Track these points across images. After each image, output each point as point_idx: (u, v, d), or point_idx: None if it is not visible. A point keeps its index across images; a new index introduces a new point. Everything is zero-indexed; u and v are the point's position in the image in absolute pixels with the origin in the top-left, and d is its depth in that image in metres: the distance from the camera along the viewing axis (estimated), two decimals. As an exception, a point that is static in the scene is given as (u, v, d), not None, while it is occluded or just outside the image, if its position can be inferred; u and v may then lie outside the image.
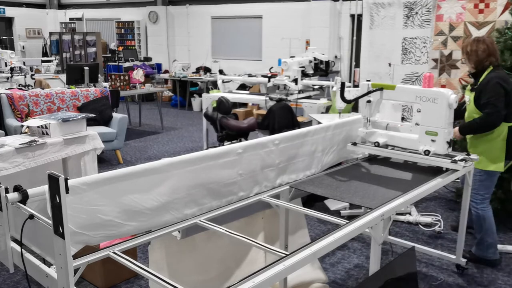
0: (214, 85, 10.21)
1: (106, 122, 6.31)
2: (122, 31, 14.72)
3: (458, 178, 3.49)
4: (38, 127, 3.65)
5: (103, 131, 5.78)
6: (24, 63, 9.05)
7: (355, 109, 4.03)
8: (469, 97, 3.33)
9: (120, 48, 14.24)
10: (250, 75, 7.09)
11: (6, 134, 5.22)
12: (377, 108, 3.19)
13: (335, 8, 10.59)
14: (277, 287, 2.74)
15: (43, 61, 10.52)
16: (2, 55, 8.53)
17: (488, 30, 5.27)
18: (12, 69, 8.05)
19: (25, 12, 15.36)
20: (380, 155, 3.24)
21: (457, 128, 3.29)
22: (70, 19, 15.33)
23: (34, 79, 8.08)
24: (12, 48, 14.45)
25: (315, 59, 6.20)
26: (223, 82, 6.68)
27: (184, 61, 12.14)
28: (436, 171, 2.92)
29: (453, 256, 3.39)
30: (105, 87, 7.32)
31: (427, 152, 2.88)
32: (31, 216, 1.72)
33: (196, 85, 11.72)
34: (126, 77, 8.21)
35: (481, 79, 3.26)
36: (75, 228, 1.73)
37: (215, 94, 6.36)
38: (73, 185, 1.69)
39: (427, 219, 4.24)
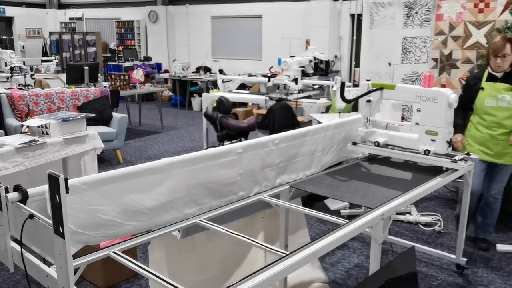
0: (214, 84, 10.21)
1: (106, 121, 6.31)
2: (122, 30, 14.71)
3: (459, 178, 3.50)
4: (38, 126, 3.65)
5: (103, 131, 5.78)
6: (24, 63, 9.04)
7: (355, 108, 4.03)
8: (510, 96, 3.27)
9: (120, 48, 14.23)
10: (250, 75, 7.09)
11: (6, 134, 5.22)
12: (377, 108, 3.19)
13: (335, 7, 10.59)
14: (277, 287, 2.74)
15: (43, 61, 10.51)
16: (2, 55, 8.52)
17: (488, 29, 5.26)
18: (12, 69, 8.04)
19: (25, 12, 15.35)
20: (380, 155, 3.24)
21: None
22: (70, 18, 15.31)
23: (34, 78, 8.08)
24: (12, 47, 14.44)
25: (315, 58, 6.20)
26: (223, 81, 6.67)
27: (184, 61, 12.13)
28: (436, 171, 2.91)
29: (453, 256, 3.39)
30: (105, 86, 7.32)
31: (427, 152, 2.88)
32: (31, 216, 1.72)
33: (196, 85, 11.71)
34: (126, 77, 8.21)
35: None
36: (75, 228, 1.73)
37: (215, 94, 6.36)
38: (73, 185, 1.69)
39: (427, 219, 4.24)
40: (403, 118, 4.22)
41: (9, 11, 14.97)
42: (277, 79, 5.93)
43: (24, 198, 1.78)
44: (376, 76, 6.26)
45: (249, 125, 5.16)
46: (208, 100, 6.34)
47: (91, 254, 1.79)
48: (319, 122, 3.67)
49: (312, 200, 4.62)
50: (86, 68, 7.57)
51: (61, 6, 16.03)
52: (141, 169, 1.93)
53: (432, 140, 2.86)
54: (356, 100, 3.22)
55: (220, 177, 2.26)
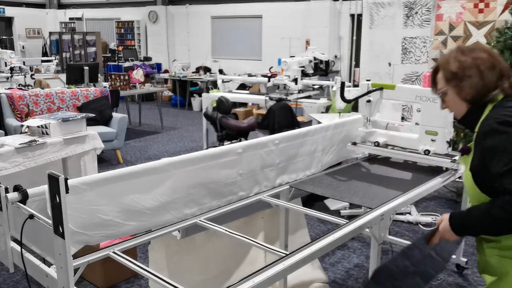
0: (214, 84, 10.20)
1: (106, 122, 6.31)
2: (122, 31, 14.71)
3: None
4: (38, 127, 3.65)
5: (103, 131, 5.78)
6: (24, 63, 9.05)
7: (355, 108, 4.03)
8: (464, 166, 1.78)
9: (120, 48, 14.23)
10: (250, 75, 7.09)
11: (6, 134, 5.22)
12: (377, 108, 3.19)
13: (335, 7, 10.59)
14: (277, 287, 2.74)
15: (43, 61, 10.52)
16: (2, 55, 8.53)
17: (488, 29, 5.27)
18: (12, 69, 8.05)
19: (25, 12, 15.35)
20: (380, 155, 3.24)
21: (445, 222, 1.73)
22: (70, 19, 15.32)
23: (34, 79, 8.08)
24: (12, 48, 14.43)
25: (315, 58, 6.20)
26: (223, 81, 6.68)
27: (184, 61, 12.13)
28: (436, 171, 2.91)
29: (453, 256, 3.39)
30: (105, 87, 7.32)
31: (427, 152, 2.88)
32: (31, 216, 1.72)
33: (196, 85, 11.71)
34: (126, 77, 8.21)
35: (478, 126, 1.64)
36: (75, 228, 1.73)
37: (215, 94, 6.36)
38: (73, 185, 1.69)
39: (427, 219, 4.24)
40: (403, 118, 4.22)
41: (9, 11, 14.97)
42: (277, 79, 5.93)
43: (24, 198, 1.78)
44: (376, 76, 6.26)
45: (249, 125, 5.16)
46: (208, 100, 6.34)
47: (91, 254, 1.79)
48: (319, 122, 3.67)
49: (312, 200, 4.62)
50: (86, 68, 7.57)
51: (61, 6, 16.03)
52: (141, 169, 1.93)
53: (432, 140, 2.85)
54: (356, 100, 3.22)
55: (220, 177, 2.26)
